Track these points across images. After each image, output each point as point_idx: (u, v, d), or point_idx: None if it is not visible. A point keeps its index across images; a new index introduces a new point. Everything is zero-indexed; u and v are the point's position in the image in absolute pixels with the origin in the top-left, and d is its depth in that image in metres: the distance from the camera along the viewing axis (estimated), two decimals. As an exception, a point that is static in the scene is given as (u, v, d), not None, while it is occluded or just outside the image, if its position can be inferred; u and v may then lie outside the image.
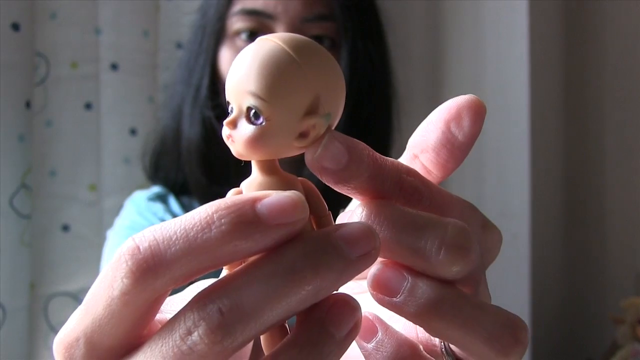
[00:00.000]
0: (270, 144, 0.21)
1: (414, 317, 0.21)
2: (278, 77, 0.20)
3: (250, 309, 0.18)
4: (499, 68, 1.18)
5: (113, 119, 0.97)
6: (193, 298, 0.19)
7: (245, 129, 0.21)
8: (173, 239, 0.18)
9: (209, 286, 0.19)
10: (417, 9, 1.24)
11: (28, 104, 0.85)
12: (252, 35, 0.66)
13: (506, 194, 1.32)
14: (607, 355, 1.18)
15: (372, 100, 0.70)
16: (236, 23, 0.67)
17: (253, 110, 0.21)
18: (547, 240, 1.48)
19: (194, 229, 0.18)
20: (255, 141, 0.21)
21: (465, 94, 0.24)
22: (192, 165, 0.71)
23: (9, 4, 0.81)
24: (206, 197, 0.73)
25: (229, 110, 0.22)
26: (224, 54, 0.68)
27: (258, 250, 0.19)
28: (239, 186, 0.22)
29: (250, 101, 0.21)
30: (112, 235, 0.76)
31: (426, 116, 0.26)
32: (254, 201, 0.18)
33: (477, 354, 0.21)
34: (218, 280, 0.19)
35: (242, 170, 0.25)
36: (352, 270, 0.19)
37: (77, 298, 0.94)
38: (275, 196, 0.19)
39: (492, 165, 1.23)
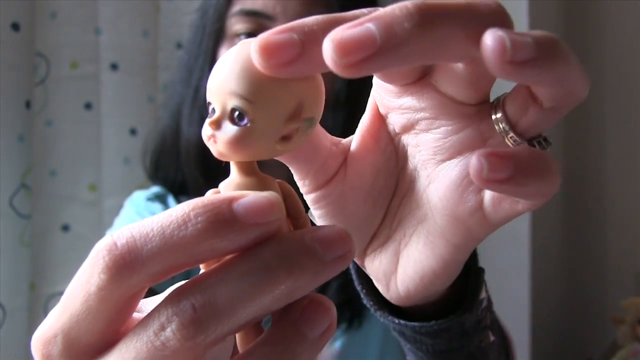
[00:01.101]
0: (252, 146, 0.21)
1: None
2: (264, 79, 0.20)
3: (223, 306, 0.18)
4: (499, 68, 1.18)
5: (113, 119, 0.97)
6: (168, 295, 0.19)
7: (229, 129, 0.21)
8: (150, 235, 0.18)
9: (184, 283, 0.19)
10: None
11: (28, 104, 0.85)
12: (251, 36, 0.66)
13: (506, 194, 1.32)
14: (607, 355, 1.18)
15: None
16: (235, 24, 0.67)
17: (237, 112, 0.21)
18: (547, 240, 1.48)
19: (171, 227, 0.18)
20: (238, 142, 0.21)
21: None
22: (191, 166, 0.71)
23: (9, 4, 0.81)
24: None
25: (210, 111, 0.22)
26: (223, 54, 0.68)
27: (234, 249, 0.19)
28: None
29: (235, 102, 0.21)
30: (111, 235, 0.76)
31: None
32: (230, 200, 0.19)
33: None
34: (193, 278, 0.19)
35: None
36: (326, 272, 0.19)
37: (77, 298, 0.94)
38: (252, 196, 0.19)
39: (492, 165, 1.23)
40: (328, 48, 0.18)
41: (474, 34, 0.19)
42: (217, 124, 0.21)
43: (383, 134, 0.28)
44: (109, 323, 0.19)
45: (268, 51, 0.19)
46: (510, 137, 0.24)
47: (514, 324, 1.27)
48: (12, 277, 0.84)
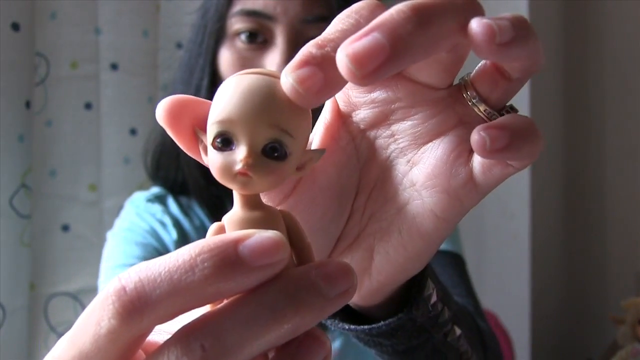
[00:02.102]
0: (284, 177, 0.22)
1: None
2: (296, 112, 0.21)
3: (232, 345, 0.19)
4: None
5: (113, 119, 0.97)
6: (176, 333, 0.19)
7: (268, 164, 0.21)
8: (158, 280, 0.19)
9: (192, 322, 0.20)
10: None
11: (28, 104, 0.85)
12: (252, 36, 0.66)
13: (506, 194, 1.32)
14: (607, 355, 1.18)
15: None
16: (236, 24, 0.67)
17: (274, 144, 0.21)
18: (547, 240, 1.48)
19: (178, 272, 0.19)
20: (278, 176, 0.21)
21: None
22: (191, 166, 0.71)
23: (9, 4, 0.81)
24: (204, 198, 0.73)
25: (219, 141, 0.21)
26: (224, 54, 0.68)
27: (241, 290, 0.19)
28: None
29: (275, 134, 0.20)
30: (111, 236, 0.76)
31: None
32: (236, 243, 0.19)
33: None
34: (201, 316, 0.20)
35: None
36: (330, 308, 0.20)
37: (77, 298, 0.94)
38: (258, 237, 0.19)
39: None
40: (344, 62, 0.19)
41: (460, 23, 0.21)
42: (252, 159, 0.21)
43: (343, 133, 0.29)
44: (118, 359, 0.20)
45: (302, 82, 0.20)
46: (484, 111, 0.26)
47: (514, 324, 1.27)
48: (12, 277, 0.84)
